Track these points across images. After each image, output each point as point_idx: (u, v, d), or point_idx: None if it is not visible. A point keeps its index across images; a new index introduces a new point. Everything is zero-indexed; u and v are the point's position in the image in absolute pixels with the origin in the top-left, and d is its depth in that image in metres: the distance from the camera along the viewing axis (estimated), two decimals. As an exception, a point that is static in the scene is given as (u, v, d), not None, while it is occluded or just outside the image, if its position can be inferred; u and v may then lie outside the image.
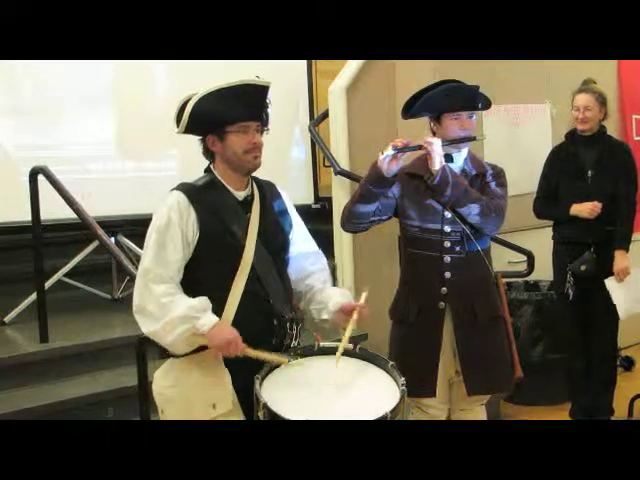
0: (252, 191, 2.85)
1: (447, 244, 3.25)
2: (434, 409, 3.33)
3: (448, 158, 3.25)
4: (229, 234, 2.73)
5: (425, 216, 3.29)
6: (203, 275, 2.72)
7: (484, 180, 3.34)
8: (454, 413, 3.44)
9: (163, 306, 2.62)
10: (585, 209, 4.46)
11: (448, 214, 3.24)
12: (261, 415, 2.50)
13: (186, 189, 2.75)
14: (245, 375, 2.59)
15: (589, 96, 4.51)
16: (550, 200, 4.70)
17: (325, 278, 2.97)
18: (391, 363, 2.72)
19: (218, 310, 2.66)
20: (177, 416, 2.72)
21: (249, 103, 2.71)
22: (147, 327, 2.66)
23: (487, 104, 3.40)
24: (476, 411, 3.42)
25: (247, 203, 2.82)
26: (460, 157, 3.33)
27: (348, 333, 2.75)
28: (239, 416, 2.66)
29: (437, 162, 3.11)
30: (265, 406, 2.47)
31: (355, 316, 2.77)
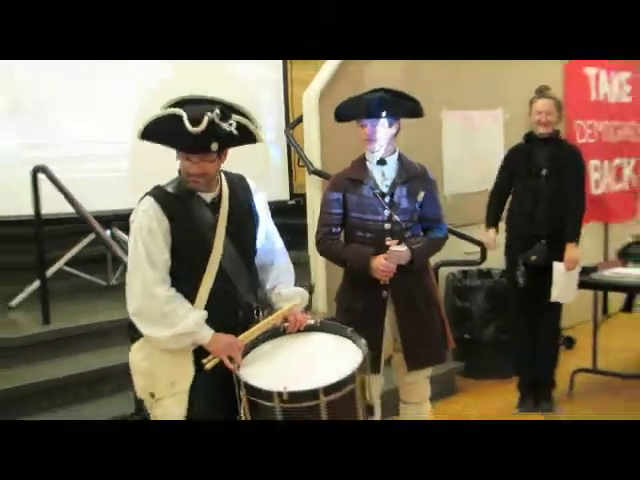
0: (221, 190, 2.84)
1: (388, 239, 3.40)
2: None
3: (382, 162, 3.42)
4: (198, 238, 2.77)
5: (367, 215, 3.43)
6: (173, 274, 2.76)
7: (425, 180, 3.50)
8: (401, 387, 3.67)
9: (166, 315, 2.67)
10: (489, 241, 4.86)
11: (387, 212, 3.40)
12: (243, 394, 2.71)
13: (157, 196, 2.75)
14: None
15: (550, 101, 4.70)
16: (501, 195, 4.91)
17: (278, 274, 3.00)
18: (350, 329, 2.93)
19: None
20: (143, 387, 2.84)
21: (189, 136, 2.58)
22: (148, 330, 2.72)
23: (412, 113, 3.42)
24: (421, 384, 3.64)
25: (215, 204, 2.83)
26: (392, 160, 3.46)
27: (261, 327, 2.89)
28: (186, 398, 2.79)
29: (405, 261, 3.37)
30: (246, 385, 2.68)
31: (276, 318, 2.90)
